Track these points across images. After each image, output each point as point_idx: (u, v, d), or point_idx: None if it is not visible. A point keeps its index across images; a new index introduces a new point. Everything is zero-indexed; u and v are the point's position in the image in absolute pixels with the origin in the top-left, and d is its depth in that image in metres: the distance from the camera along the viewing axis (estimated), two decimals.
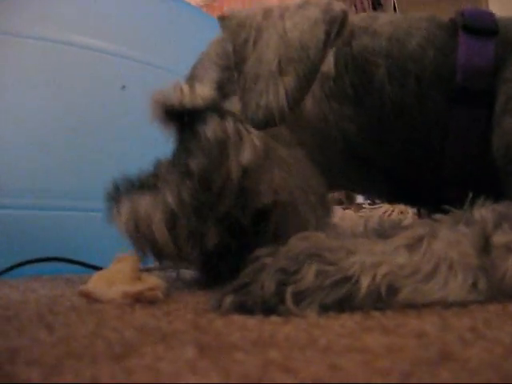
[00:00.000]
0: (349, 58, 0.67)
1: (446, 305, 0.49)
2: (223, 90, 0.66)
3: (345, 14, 0.61)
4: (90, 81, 0.89)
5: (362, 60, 0.67)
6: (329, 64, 0.66)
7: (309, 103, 0.67)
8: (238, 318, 0.45)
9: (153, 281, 0.60)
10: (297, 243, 0.52)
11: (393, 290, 0.49)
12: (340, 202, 1.88)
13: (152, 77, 0.94)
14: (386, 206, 1.53)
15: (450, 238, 0.53)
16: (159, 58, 0.95)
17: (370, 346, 0.34)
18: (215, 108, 0.65)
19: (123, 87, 0.88)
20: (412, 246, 0.52)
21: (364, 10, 2.93)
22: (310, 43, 0.58)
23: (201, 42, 1.08)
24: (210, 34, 1.08)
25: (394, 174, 0.70)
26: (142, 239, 0.63)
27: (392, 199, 0.78)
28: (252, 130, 0.63)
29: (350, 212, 1.67)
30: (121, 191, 0.64)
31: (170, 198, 0.63)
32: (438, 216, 0.56)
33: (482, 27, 0.66)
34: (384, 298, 0.49)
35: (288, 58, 0.58)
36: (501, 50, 0.65)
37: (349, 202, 1.91)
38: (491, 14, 0.69)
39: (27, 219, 0.93)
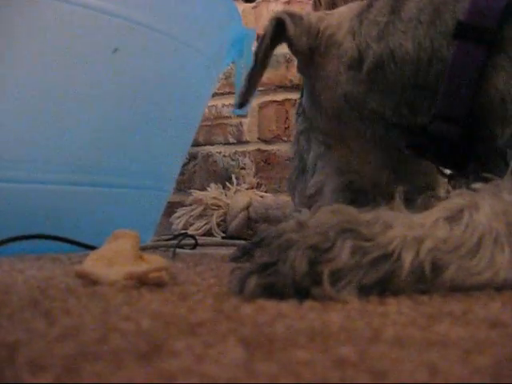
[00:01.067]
0: (356, 26, 0.69)
1: (495, 286, 0.44)
2: None
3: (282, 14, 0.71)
4: (82, 41, 0.80)
5: (367, 22, 0.69)
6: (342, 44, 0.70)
7: (328, 84, 0.71)
8: (267, 304, 0.39)
9: (157, 260, 0.53)
10: (326, 217, 0.46)
11: (437, 269, 0.44)
12: None
13: (146, 39, 0.86)
14: None
15: (495, 208, 0.47)
16: (153, 20, 0.87)
17: (450, 339, 0.28)
18: None
19: (115, 50, 0.80)
20: (453, 218, 0.47)
21: None
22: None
23: (197, 6, 1.01)
24: None
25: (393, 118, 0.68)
26: None
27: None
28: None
29: None
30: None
31: None
32: (477, 185, 0.51)
33: None
34: (428, 278, 0.43)
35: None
36: None
37: None
38: None
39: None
